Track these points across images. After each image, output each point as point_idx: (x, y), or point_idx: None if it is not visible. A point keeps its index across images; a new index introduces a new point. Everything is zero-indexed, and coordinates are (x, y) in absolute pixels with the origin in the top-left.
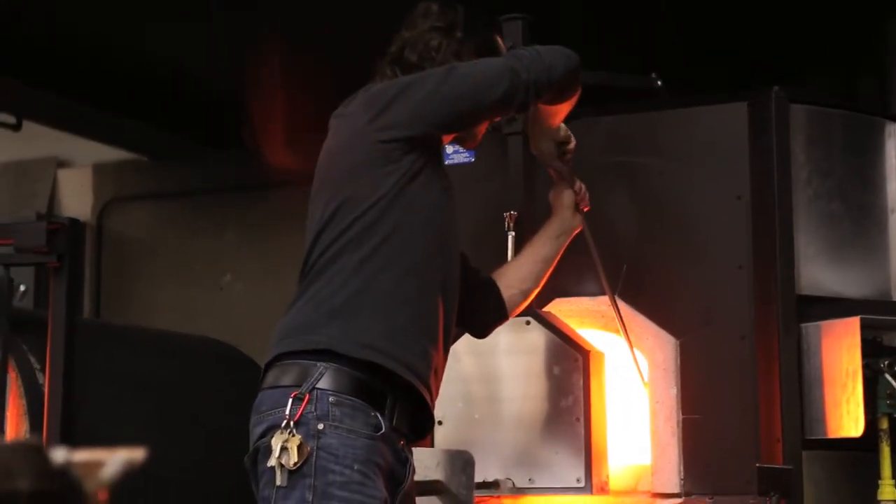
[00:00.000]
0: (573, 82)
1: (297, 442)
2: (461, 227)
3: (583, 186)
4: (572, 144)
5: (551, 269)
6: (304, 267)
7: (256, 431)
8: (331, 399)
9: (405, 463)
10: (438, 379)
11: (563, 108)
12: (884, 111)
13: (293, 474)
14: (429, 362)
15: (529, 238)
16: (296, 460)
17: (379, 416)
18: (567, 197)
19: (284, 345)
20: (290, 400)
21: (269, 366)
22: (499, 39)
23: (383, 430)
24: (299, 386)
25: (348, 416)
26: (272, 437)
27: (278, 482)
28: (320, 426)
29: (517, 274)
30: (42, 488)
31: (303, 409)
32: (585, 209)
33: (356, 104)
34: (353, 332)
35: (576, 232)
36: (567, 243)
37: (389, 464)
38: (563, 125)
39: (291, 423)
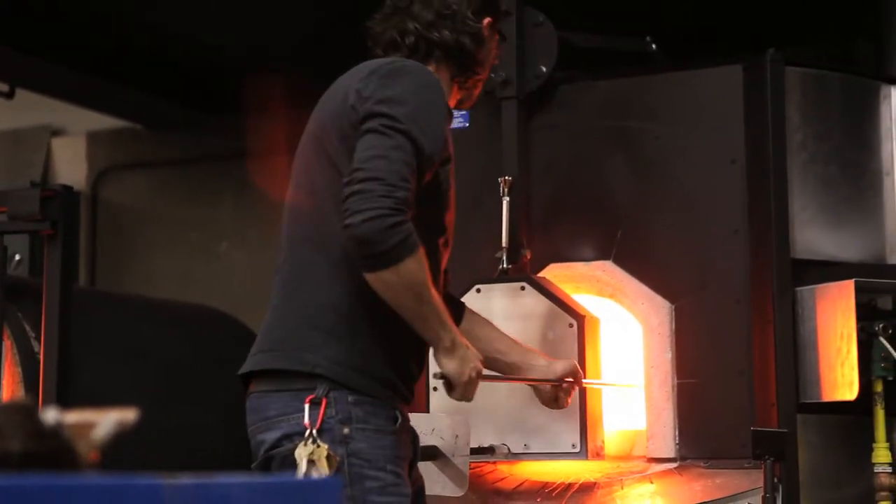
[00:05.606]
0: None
1: (325, 452)
2: (459, 191)
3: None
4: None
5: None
6: (289, 238)
7: (266, 438)
8: (350, 399)
9: (415, 440)
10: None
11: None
12: (879, 74)
13: None
14: (424, 359)
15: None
16: (328, 473)
17: (393, 405)
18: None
19: (277, 361)
20: (307, 406)
21: (261, 372)
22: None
23: (400, 419)
24: (313, 389)
25: (371, 414)
26: (292, 446)
27: None
28: (346, 430)
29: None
30: (34, 449)
31: (323, 415)
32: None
33: (354, 76)
34: (353, 356)
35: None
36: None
37: (409, 453)
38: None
39: (314, 431)
